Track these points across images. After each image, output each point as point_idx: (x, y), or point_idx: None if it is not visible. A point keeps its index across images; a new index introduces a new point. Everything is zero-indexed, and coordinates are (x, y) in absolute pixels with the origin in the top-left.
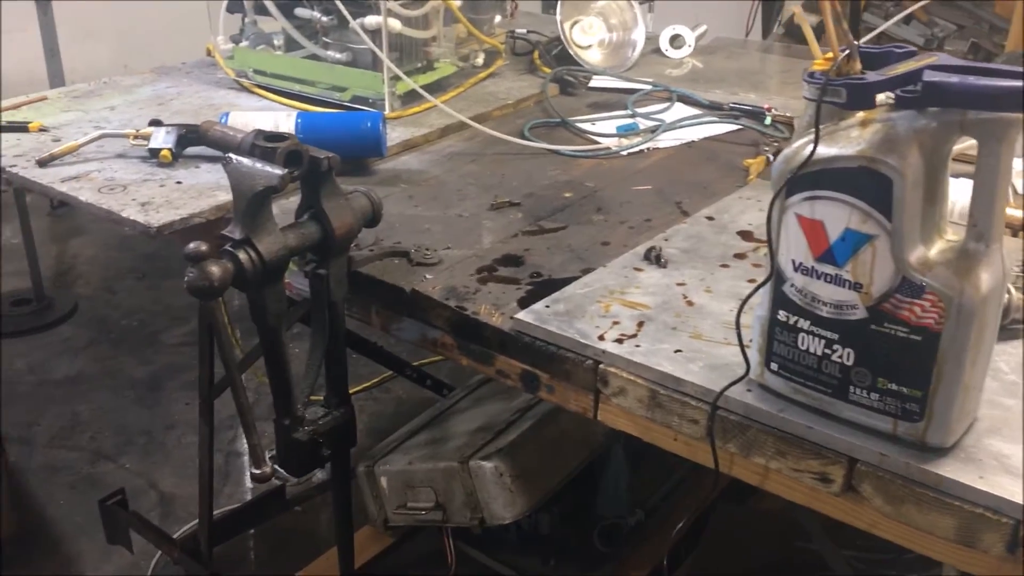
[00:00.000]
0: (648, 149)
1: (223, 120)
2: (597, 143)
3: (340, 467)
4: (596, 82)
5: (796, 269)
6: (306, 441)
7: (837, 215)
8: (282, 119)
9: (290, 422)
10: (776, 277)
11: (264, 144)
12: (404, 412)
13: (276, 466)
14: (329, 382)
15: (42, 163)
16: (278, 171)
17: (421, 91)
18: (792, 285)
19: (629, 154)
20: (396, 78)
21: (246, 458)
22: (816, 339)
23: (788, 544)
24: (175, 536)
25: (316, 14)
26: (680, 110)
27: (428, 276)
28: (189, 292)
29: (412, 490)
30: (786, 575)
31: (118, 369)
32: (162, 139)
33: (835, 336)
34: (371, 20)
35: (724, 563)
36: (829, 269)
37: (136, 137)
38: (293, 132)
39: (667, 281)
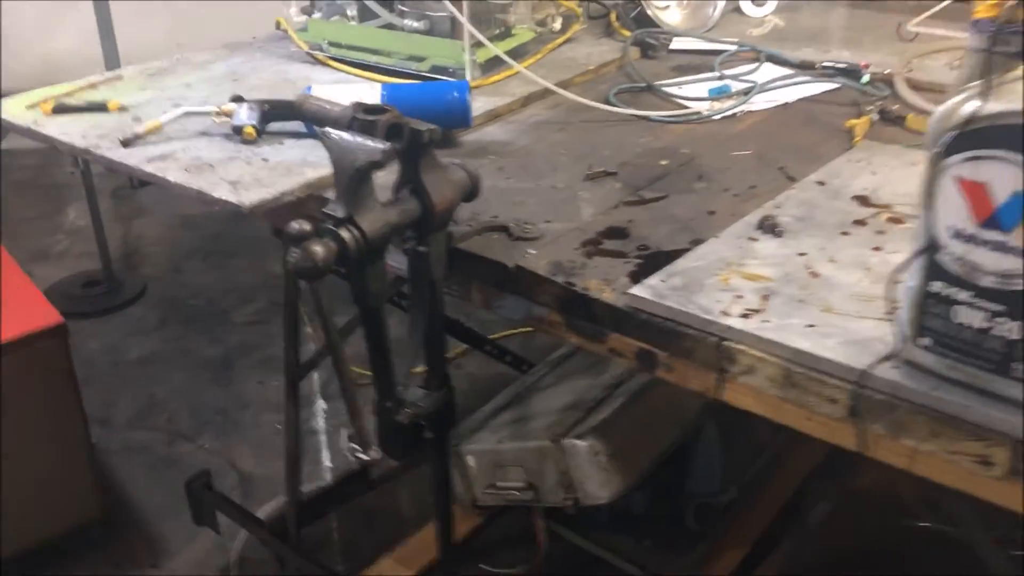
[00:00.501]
0: (741, 112)
1: (305, 91)
2: (687, 107)
3: (440, 448)
4: (677, 44)
5: (955, 236)
6: (408, 424)
7: (1005, 176)
8: (366, 91)
9: (392, 404)
10: (929, 245)
11: (364, 117)
12: (479, 390)
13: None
14: (429, 362)
15: (126, 143)
16: (381, 145)
17: (505, 57)
18: (949, 254)
19: (722, 118)
20: (477, 45)
21: (322, 437)
22: (976, 311)
23: (892, 522)
24: (259, 516)
25: None
26: (770, 71)
27: (531, 251)
28: (293, 273)
29: (501, 469)
30: (893, 554)
31: (190, 349)
32: (245, 116)
33: (999, 308)
34: None
35: (824, 541)
36: (994, 236)
37: (219, 114)
38: (377, 102)
39: (786, 251)
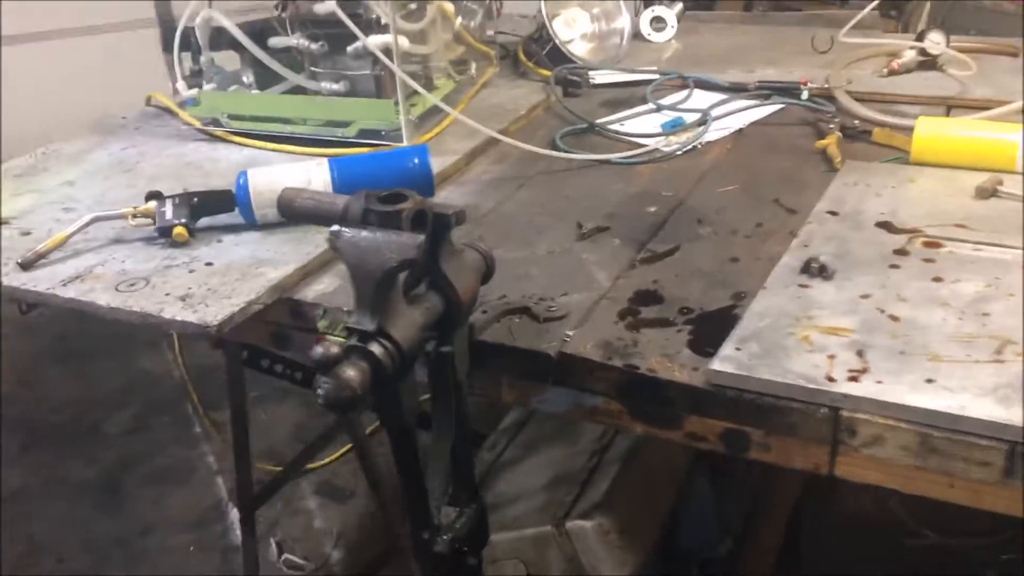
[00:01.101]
0: (700, 144)
1: (240, 181)
2: (643, 145)
3: (479, 572)
4: (598, 77)
5: None
6: (448, 553)
7: None
8: (313, 170)
9: (430, 534)
10: None
11: (381, 208)
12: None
13: None
14: (458, 475)
15: (26, 265)
16: (413, 239)
17: (446, 107)
18: None
19: (683, 153)
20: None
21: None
22: None
23: (898, 542)
24: None
25: (303, 41)
26: (703, 97)
27: (568, 333)
28: (327, 408)
29: (494, 564)
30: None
31: (64, 475)
32: (171, 213)
33: None
34: (376, 39)
35: (834, 567)
36: None
37: (136, 216)
38: (329, 183)
39: (848, 296)
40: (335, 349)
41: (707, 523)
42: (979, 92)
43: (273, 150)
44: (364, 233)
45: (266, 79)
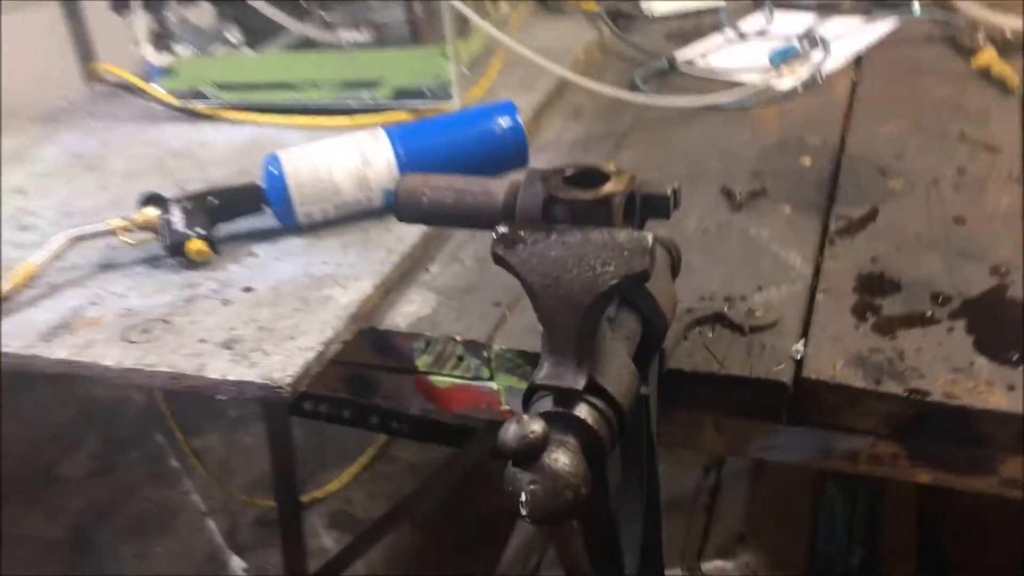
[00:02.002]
0: (821, 77)
1: (271, 170)
2: (749, 83)
3: None
4: (657, 9)
5: None
6: None
7: None
8: (368, 146)
9: None
10: None
11: (577, 195)
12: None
13: None
14: (648, 547)
15: None
16: (640, 241)
17: (520, 48)
18: None
19: (806, 88)
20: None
21: None
22: None
23: None
24: None
25: None
26: (787, 20)
27: (798, 348)
28: (533, 521)
29: None
30: None
31: (24, 532)
32: (182, 222)
33: None
34: None
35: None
36: None
37: (130, 229)
38: (392, 162)
39: None
40: (538, 428)
41: (839, 533)
42: None
43: (282, 125)
44: (554, 236)
45: (257, 34)
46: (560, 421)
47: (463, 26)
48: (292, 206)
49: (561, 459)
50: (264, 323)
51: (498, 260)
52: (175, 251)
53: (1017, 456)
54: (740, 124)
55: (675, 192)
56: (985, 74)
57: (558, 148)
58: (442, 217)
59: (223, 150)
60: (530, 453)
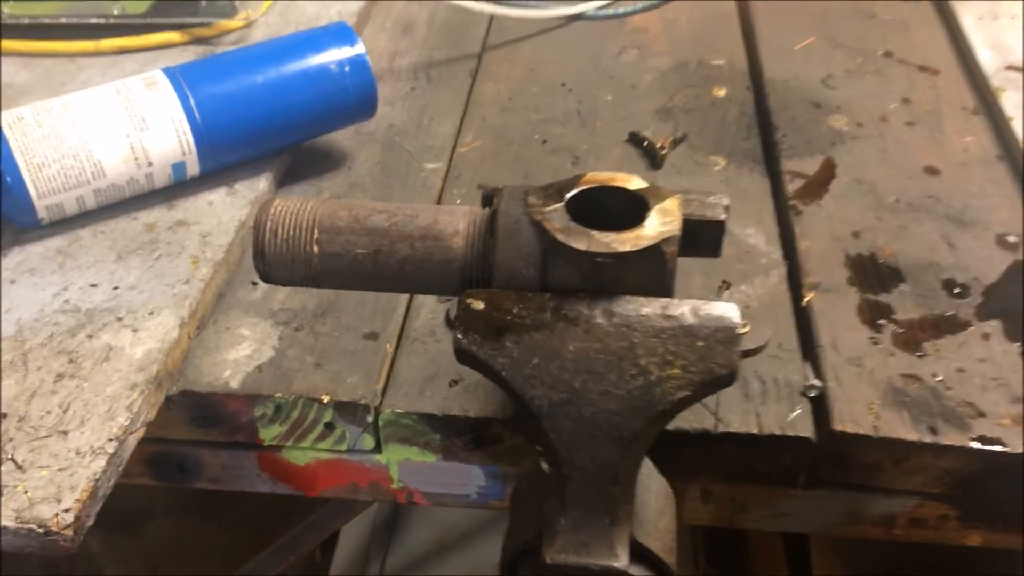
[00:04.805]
0: None
1: None
2: None
3: None
4: None
5: None
6: None
7: None
8: (141, 100)
9: None
10: None
11: (606, 248)
12: None
13: None
14: None
15: None
16: (723, 315)
17: None
18: None
19: None
20: None
21: None
22: None
23: None
24: None
25: None
26: None
27: (814, 382)
28: None
29: None
30: None
31: None
32: None
33: None
34: None
35: None
36: None
37: None
38: (181, 120)
39: None
40: None
41: None
42: None
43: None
44: (567, 316)
45: None
46: None
47: None
48: (29, 198)
49: None
50: (6, 406)
51: (467, 359)
52: None
53: None
54: (619, 39)
55: (727, 210)
56: None
57: (396, 80)
58: (349, 278)
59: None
60: None
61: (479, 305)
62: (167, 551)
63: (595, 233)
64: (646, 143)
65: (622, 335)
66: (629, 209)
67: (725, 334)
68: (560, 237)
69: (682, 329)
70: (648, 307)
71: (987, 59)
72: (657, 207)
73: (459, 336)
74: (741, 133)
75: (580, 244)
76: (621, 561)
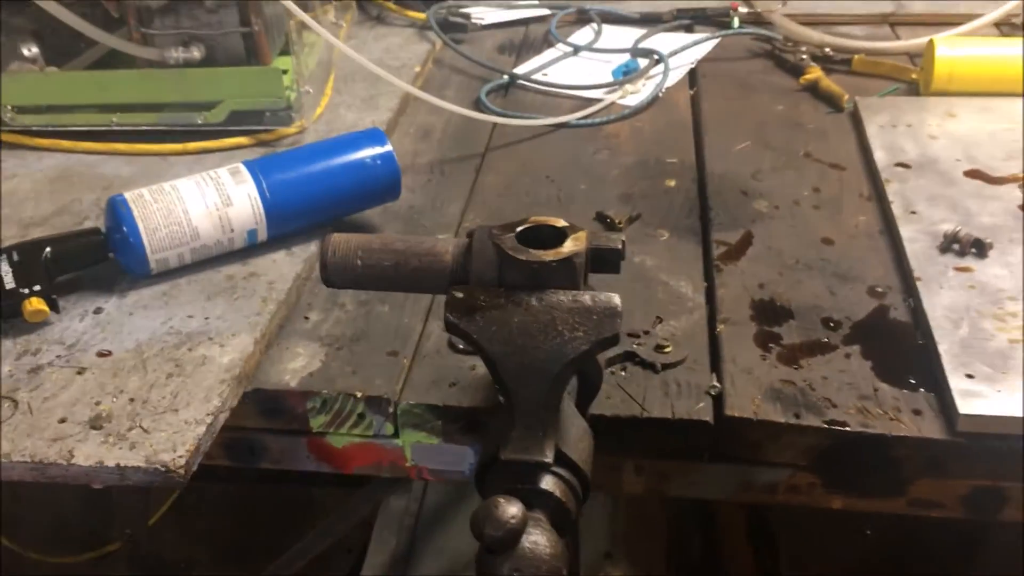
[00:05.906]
0: (662, 93)
1: (118, 211)
2: (595, 99)
3: None
4: (483, 17)
5: None
6: None
7: None
8: (228, 185)
9: None
10: None
11: (538, 259)
12: None
13: None
14: None
15: None
16: (607, 302)
17: (364, 61)
18: None
19: (648, 104)
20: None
21: None
22: None
23: None
24: None
25: None
26: (614, 33)
27: (715, 385)
28: None
29: None
30: None
31: None
32: (12, 278)
33: None
34: None
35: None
36: None
37: None
38: (258, 202)
39: (1018, 273)
40: (518, 511)
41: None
42: (918, 7)
43: (101, 152)
44: (514, 301)
45: (60, 49)
46: (528, 496)
47: (296, 39)
48: (145, 254)
49: (540, 541)
50: (134, 394)
51: (453, 329)
52: (11, 312)
53: (926, 478)
54: (595, 142)
55: (623, 245)
56: (813, 89)
57: (415, 173)
58: (380, 281)
59: (30, 184)
60: (511, 539)
61: (460, 295)
62: None
63: (532, 250)
64: (608, 220)
65: (547, 312)
66: (555, 238)
67: (611, 312)
68: (511, 252)
69: (584, 308)
70: (564, 296)
71: (881, 158)
72: (572, 236)
73: (448, 315)
74: (684, 213)
75: (523, 256)
76: (548, 458)
